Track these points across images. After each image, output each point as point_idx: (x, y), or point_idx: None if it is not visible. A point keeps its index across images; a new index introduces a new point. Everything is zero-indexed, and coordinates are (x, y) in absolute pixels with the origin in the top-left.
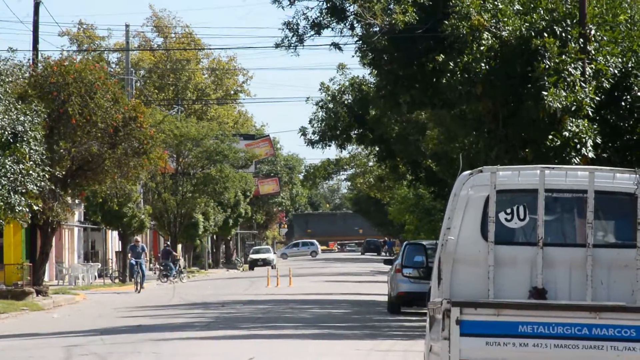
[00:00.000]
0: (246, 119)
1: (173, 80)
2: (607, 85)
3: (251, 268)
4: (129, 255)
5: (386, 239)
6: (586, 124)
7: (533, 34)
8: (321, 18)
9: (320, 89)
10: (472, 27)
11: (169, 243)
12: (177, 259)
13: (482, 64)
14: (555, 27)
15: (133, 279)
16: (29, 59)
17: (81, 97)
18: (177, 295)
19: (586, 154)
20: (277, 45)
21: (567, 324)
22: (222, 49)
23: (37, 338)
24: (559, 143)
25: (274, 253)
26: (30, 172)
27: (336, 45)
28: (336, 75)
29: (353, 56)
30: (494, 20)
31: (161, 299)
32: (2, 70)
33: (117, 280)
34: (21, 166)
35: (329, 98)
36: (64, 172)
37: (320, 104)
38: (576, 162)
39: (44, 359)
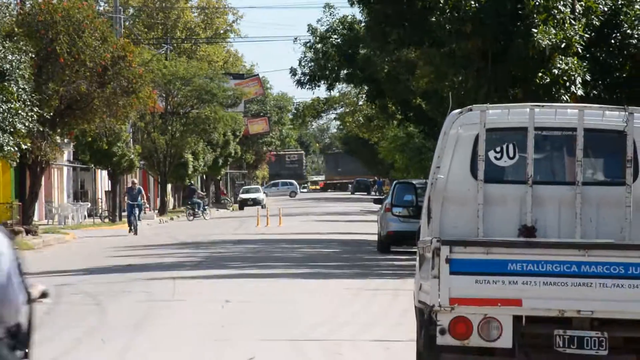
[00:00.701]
0: (236, 58)
1: (162, 19)
2: (597, 23)
3: (241, 208)
4: (126, 197)
5: (376, 178)
6: (576, 62)
7: None
8: None
9: (308, 30)
10: None
11: (193, 182)
12: (202, 197)
13: (472, 2)
14: None
15: (131, 224)
16: None
17: (69, 35)
18: (166, 235)
19: (575, 91)
20: None
21: (556, 262)
22: None
23: (27, 277)
24: (548, 81)
25: (264, 193)
26: (19, 111)
27: None
28: (323, 16)
29: None
30: None
31: (151, 239)
32: None
33: (106, 220)
34: (9, 105)
35: (317, 39)
36: (52, 112)
37: (308, 44)
38: (565, 99)
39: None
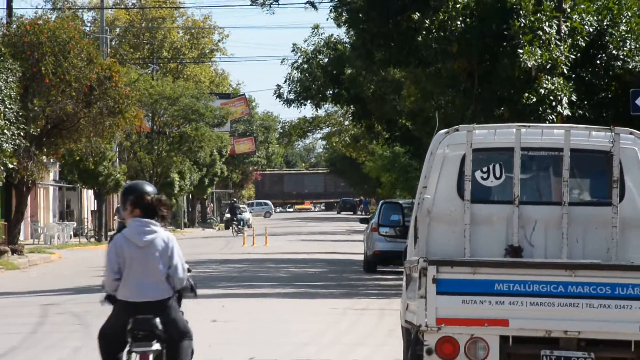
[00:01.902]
0: (223, 77)
1: (148, 39)
2: (583, 44)
3: (227, 227)
4: (116, 217)
5: (362, 198)
6: (561, 82)
7: None
8: None
9: (292, 50)
10: None
11: (235, 199)
12: (243, 212)
13: (458, 22)
14: None
15: None
16: (2, 18)
17: (55, 56)
18: None
19: (561, 111)
20: (252, 2)
21: (543, 282)
22: (197, 7)
23: (13, 297)
24: (534, 101)
25: (250, 212)
26: (5, 130)
27: (311, 4)
28: (310, 36)
29: (327, 19)
30: None
31: None
32: None
33: (92, 240)
34: None
35: (304, 59)
36: (39, 131)
37: (295, 65)
38: (552, 119)
39: (20, 317)
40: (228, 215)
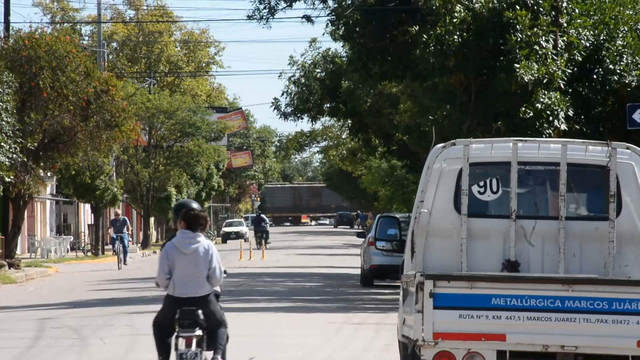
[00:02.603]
0: (220, 91)
1: (145, 53)
2: (579, 58)
3: (224, 241)
4: (110, 230)
5: (359, 211)
6: (558, 97)
7: (505, 6)
8: None
9: (289, 63)
10: None
11: (260, 211)
12: (268, 225)
13: (455, 37)
14: None
15: (115, 255)
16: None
17: (52, 70)
18: (149, 268)
19: (558, 126)
20: (249, 17)
21: (540, 297)
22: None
23: (10, 311)
24: (531, 115)
25: (247, 226)
26: (2, 143)
27: (308, 18)
28: (307, 50)
29: (324, 34)
30: None
31: (134, 272)
32: None
33: (89, 253)
34: None
35: (301, 73)
36: (35, 145)
37: (292, 78)
38: (548, 134)
39: (17, 332)
40: (252, 226)
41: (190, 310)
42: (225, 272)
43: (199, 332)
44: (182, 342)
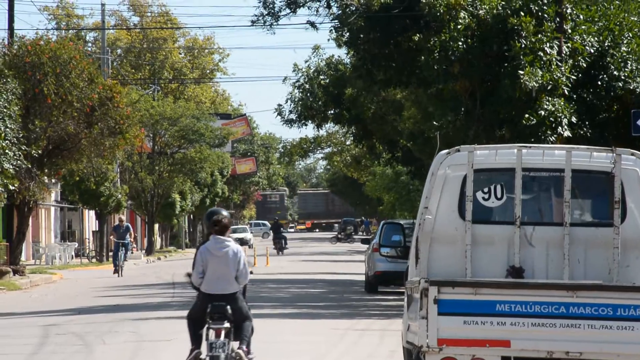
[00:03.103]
0: (224, 97)
1: (150, 60)
2: (584, 64)
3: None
4: (112, 237)
5: (363, 218)
6: (562, 103)
7: (509, 12)
8: None
9: (293, 70)
10: (449, 5)
11: (277, 218)
12: (284, 232)
13: (459, 43)
14: (531, 5)
15: (116, 266)
16: (3, 38)
17: (56, 76)
18: (153, 275)
19: (562, 132)
20: (253, 23)
21: (544, 303)
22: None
23: (15, 317)
24: (535, 122)
25: (251, 232)
26: (7, 151)
27: (312, 24)
28: (311, 57)
29: (329, 40)
30: None
31: (138, 279)
32: None
33: (94, 260)
34: None
35: (305, 79)
36: (40, 152)
37: (296, 84)
38: (552, 140)
39: (21, 338)
40: (271, 233)
41: (220, 305)
42: (251, 272)
43: (227, 324)
44: (212, 333)
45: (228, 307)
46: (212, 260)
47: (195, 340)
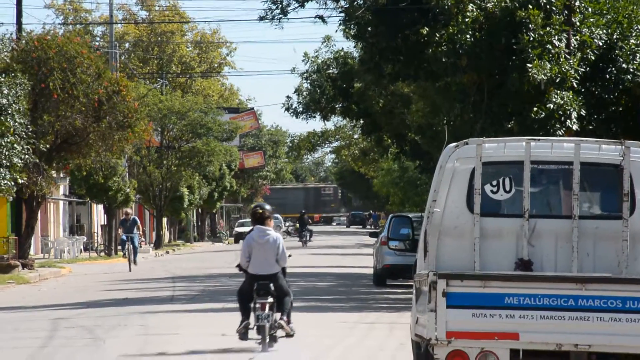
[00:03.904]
0: (232, 92)
1: (157, 54)
2: (592, 57)
3: (236, 241)
4: (120, 230)
5: (371, 211)
6: (571, 96)
7: (517, 5)
8: None
9: (303, 60)
10: None
11: (304, 211)
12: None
13: (467, 36)
14: None
15: (125, 256)
16: (12, 33)
17: (63, 71)
18: (162, 269)
19: (571, 126)
20: (261, 18)
21: (553, 296)
22: (205, 21)
23: (24, 311)
24: (543, 115)
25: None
26: (15, 145)
27: (320, 18)
28: (321, 47)
29: (337, 31)
30: None
31: (147, 272)
32: None
33: (102, 254)
34: (5, 140)
35: (313, 69)
36: (48, 146)
37: (304, 75)
38: (561, 134)
39: (30, 331)
40: (298, 226)
41: (264, 283)
42: (290, 255)
43: (270, 299)
44: (258, 307)
45: (271, 285)
46: (256, 247)
47: (245, 313)
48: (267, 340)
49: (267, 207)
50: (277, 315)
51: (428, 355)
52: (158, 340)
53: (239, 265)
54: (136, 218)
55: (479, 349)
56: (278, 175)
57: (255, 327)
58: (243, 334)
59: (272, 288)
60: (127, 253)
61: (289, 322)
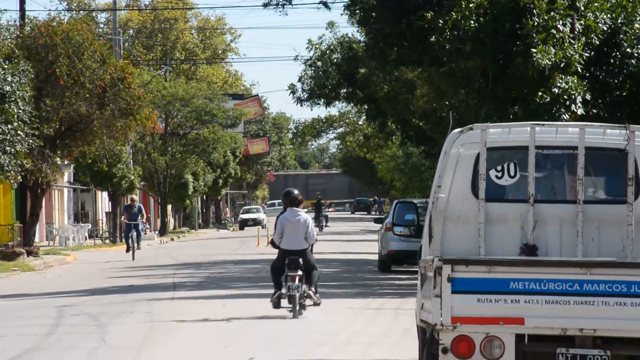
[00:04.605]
0: (236, 78)
1: (161, 40)
2: (597, 42)
3: (241, 228)
4: (124, 217)
5: (376, 197)
6: (575, 81)
7: None
8: None
9: (307, 47)
10: None
11: (320, 196)
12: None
13: (471, 22)
14: None
15: (129, 245)
16: (15, 20)
17: (69, 58)
18: (167, 256)
19: (575, 110)
20: (265, 5)
21: (558, 280)
22: (210, 7)
23: (29, 298)
24: (548, 100)
25: (264, 213)
26: (19, 131)
27: (324, 4)
28: (325, 33)
29: (342, 14)
30: None
31: (152, 259)
32: None
33: (107, 241)
34: (9, 126)
35: (317, 56)
36: (52, 133)
37: (309, 62)
38: (565, 118)
39: (35, 319)
40: (313, 212)
41: (294, 258)
42: (318, 233)
43: (300, 272)
44: (289, 279)
45: (300, 259)
46: (288, 226)
47: (277, 285)
48: (297, 308)
49: (297, 191)
50: (306, 287)
51: (433, 340)
52: (164, 327)
53: (272, 242)
54: (141, 206)
55: (484, 334)
56: (282, 162)
57: (286, 297)
58: (276, 303)
59: (301, 262)
60: (130, 241)
61: (316, 292)
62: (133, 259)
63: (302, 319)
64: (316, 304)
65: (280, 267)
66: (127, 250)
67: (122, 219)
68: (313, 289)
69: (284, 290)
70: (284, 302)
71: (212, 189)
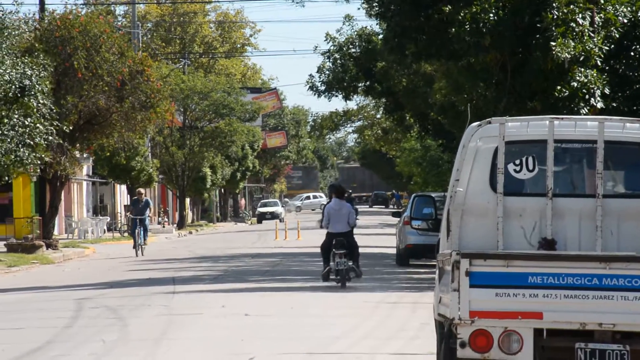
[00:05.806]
0: (255, 71)
1: (180, 34)
2: (616, 35)
3: (259, 221)
4: (131, 211)
5: (394, 191)
6: (595, 74)
7: None
8: None
9: (325, 39)
10: None
11: (350, 191)
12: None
13: (490, 15)
14: None
15: (136, 241)
16: (34, 13)
17: (87, 50)
18: (185, 249)
19: (595, 104)
20: None
21: (576, 275)
22: (228, 1)
23: (48, 291)
24: (567, 93)
25: (282, 206)
26: (38, 125)
27: None
28: (343, 26)
29: (359, 8)
30: None
31: (169, 253)
32: (8, 24)
33: (125, 234)
34: (29, 120)
35: (335, 49)
36: (71, 127)
37: (327, 54)
38: (585, 112)
39: (55, 311)
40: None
41: (340, 239)
42: (357, 219)
43: (344, 250)
44: (336, 256)
45: (345, 240)
46: (334, 213)
47: (326, 262)
48: (344, 280)
49: (341, 185)
50: (350, 263)
51: (451, 335)
52: (182, 320)
53: (320, 223)
54: (149, 200)
55: (502, 329)
56: (300, 156)
57: (334, 271)
58: (325, 277)
59: (346, 242)
60: (135, 236)
61: (358, 267)
62: (137, 255)
63: (315, 316)
64: (358, 276)
65: (328, 246)
66: (134, 247)
67: (127, 214)
68: (356, 264)
69: (332, 265)
70: (331, 276)
71: (230, 182)
